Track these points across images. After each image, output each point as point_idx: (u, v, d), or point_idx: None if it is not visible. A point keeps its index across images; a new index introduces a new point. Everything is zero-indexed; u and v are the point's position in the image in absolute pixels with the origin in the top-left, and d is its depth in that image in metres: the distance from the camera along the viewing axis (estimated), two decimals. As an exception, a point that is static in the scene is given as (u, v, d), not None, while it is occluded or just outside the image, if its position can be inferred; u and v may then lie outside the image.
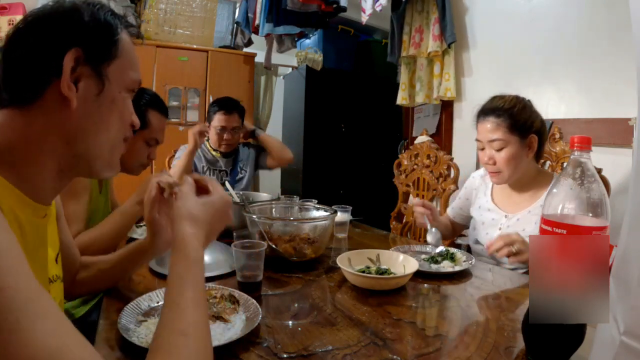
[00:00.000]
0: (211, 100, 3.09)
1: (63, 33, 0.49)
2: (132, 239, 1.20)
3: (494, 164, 1.18)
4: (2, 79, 0.49)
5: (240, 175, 2.02)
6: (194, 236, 0.55)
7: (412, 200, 1.36)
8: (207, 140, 1.99)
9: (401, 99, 2.93)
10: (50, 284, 0.58)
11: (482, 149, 1.22)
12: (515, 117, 1.16)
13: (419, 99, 2.83)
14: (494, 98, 1.22)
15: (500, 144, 1.16)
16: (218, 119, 1.88)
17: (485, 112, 1.20)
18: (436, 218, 1.29)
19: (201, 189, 0.65)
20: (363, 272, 0.90)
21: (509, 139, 1.15)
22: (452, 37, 2.56)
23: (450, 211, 1.46)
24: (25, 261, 0.37)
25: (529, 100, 1.22)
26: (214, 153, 1.98)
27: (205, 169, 2.00)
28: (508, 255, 1.00)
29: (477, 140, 1.25)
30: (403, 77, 2.92)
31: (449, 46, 2.61)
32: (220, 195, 0.63)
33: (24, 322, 0.33)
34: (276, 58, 3.41)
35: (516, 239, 1.01)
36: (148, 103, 1.19)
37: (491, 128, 1.17)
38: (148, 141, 1.22)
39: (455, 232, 1.51)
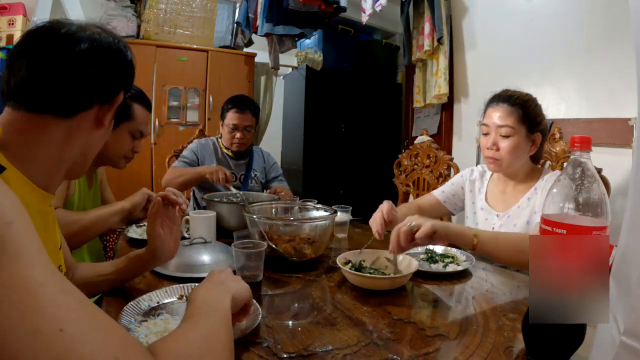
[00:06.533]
0: (211, 100, 3.10)
1: (118, 73, 0.59)
2: (132, 239, 1.21)
3: (497, 150, 1.19)
4: (49, 87, 0.53)
5: (251, 185, 1.93)
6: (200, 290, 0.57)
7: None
8: (220, 137, 1.95)
9: (415, 102, 2.97)
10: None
11: (486, 134, 1.22)
12: (528, 109, 1.17)
13: (427, 99, 2.87)
14: (508, 90, 1.23)
15: (509, 131, 1.17)
16: (230, 117, 1.85)
17: (500, 98, 1.21)
18: (394, 223, 1.10)
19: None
20: (357, 269, 0.90)
21: (518, 129, 1.16)
22: (440, 32, 2.56)
23: (440, 195, 1.43)
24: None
25: None
26: (225, 151, 1.92)
27: None
28: (412, 239, 0.92)
29: (483, 124, 1.24)
30: (417, 81, 2.95)
31: (439, 41, 2.61)
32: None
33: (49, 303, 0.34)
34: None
35: (406, 222, 0.94)
36: (133, 96, 1.22)
37: (503, 114, 1.18)
38: (133, 133, 1.24)
39: (435, 217, 1.37)
